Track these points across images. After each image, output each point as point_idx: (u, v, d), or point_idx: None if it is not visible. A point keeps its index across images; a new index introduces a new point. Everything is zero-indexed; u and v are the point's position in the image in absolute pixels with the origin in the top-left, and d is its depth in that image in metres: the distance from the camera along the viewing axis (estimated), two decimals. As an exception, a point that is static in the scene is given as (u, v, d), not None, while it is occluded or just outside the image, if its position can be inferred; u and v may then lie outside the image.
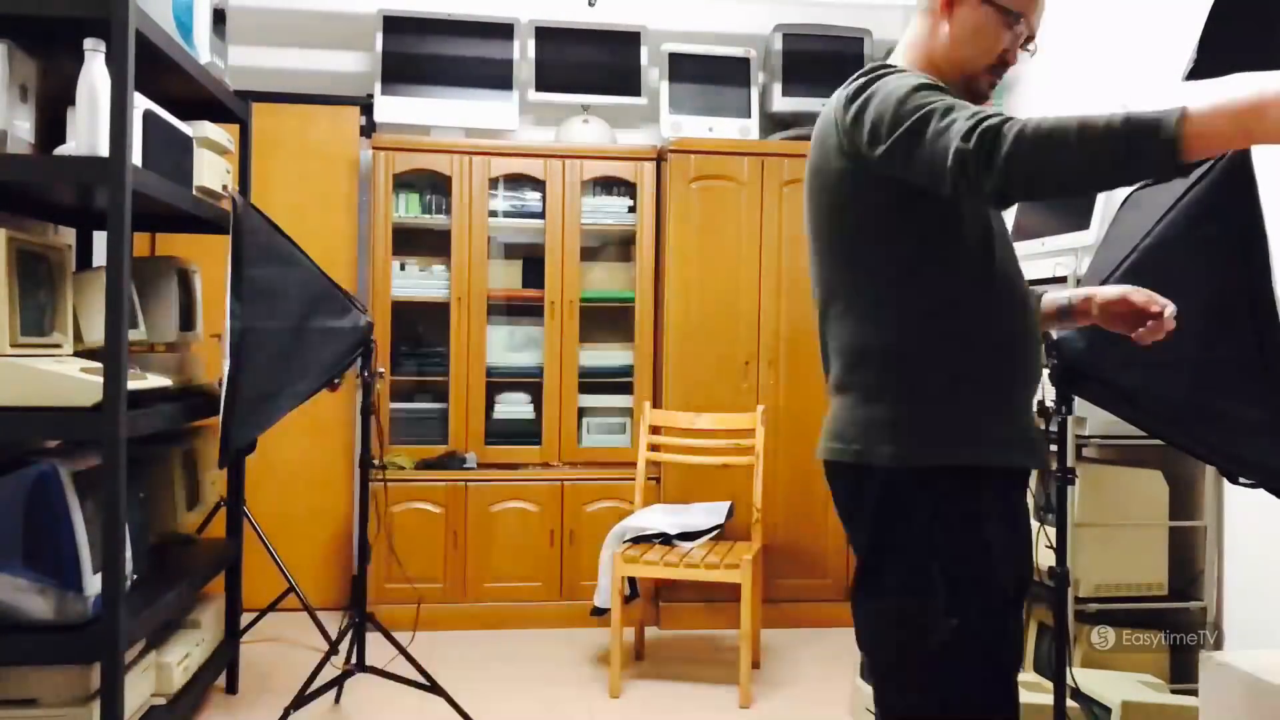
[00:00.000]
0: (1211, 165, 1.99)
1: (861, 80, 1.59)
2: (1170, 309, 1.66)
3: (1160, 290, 1.83)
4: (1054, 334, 2.15)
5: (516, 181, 4.42)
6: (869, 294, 1.62)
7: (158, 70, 2.60)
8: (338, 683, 3.11)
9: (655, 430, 4.00)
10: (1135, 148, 1.30)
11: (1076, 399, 2.27)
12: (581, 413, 4.44)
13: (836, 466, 1.66)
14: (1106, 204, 3.24)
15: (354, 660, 3.09)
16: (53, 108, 2.58)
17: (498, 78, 4.40)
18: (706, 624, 4.22)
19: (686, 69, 4.49)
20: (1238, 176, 1.96)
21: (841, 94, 1.62)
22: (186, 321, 3.17)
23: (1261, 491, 2.06)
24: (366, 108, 4.48)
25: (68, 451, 2.49)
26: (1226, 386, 1.95)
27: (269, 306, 2.75)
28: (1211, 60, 1.61)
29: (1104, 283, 2.06)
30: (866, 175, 1.57)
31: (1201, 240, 1.99)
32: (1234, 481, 2.12)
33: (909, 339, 1.58)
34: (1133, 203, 2.29)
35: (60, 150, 2.40)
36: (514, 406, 4.42)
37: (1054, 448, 2.37)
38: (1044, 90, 4.01)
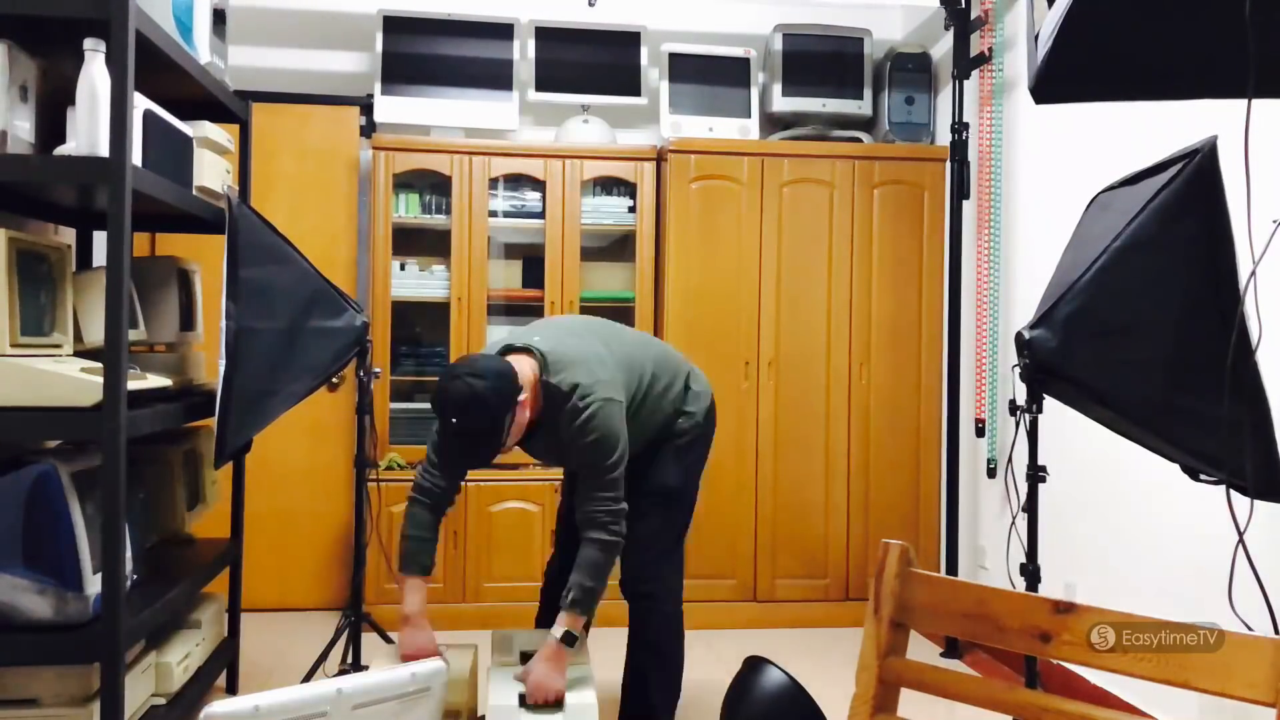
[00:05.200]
0: (1181, 169, 2.01)
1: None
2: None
3: (1131, 290, 1.91)
4: (1025, 333, 2.15)
5: (516, 181, 4.42)
6: None
7: (158, 70, 2.60)
8: (336, 683, 3.11)
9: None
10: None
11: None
12: (581, 413, 4.44)
13: None
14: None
15: (349, 660, 3.09)
16: (53, 108, 2.58)
17: (498, 78, 4.40)
18: (705, 624, 4.22)
19: (686, 69, 4.49)
20: (1205, 179, 2.00)
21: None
22: (186, 321, 3.17)
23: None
24: (366, 108, 4.48)
25: (68, 451, 2.49)
26: (1196, 384, 1.99)
27: (264, 307, 2.75)
28: (1054, 88, 1.64)
29: (1074, 284, 2.08)
30: None
31: (1171, 241, 2.03)
32: (1195, 479, 2.14)
33: None
34: (1100, 204, 2.30)
35: (60, 150, 2.40)
36: (514, 406, 4.42)
37: (1025, 446, 2.37)
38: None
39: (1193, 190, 2.02)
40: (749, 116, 4.50)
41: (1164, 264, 2.04)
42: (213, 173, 3.07)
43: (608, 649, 3.43)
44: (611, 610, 3.43)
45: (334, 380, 3.05)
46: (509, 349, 2.68)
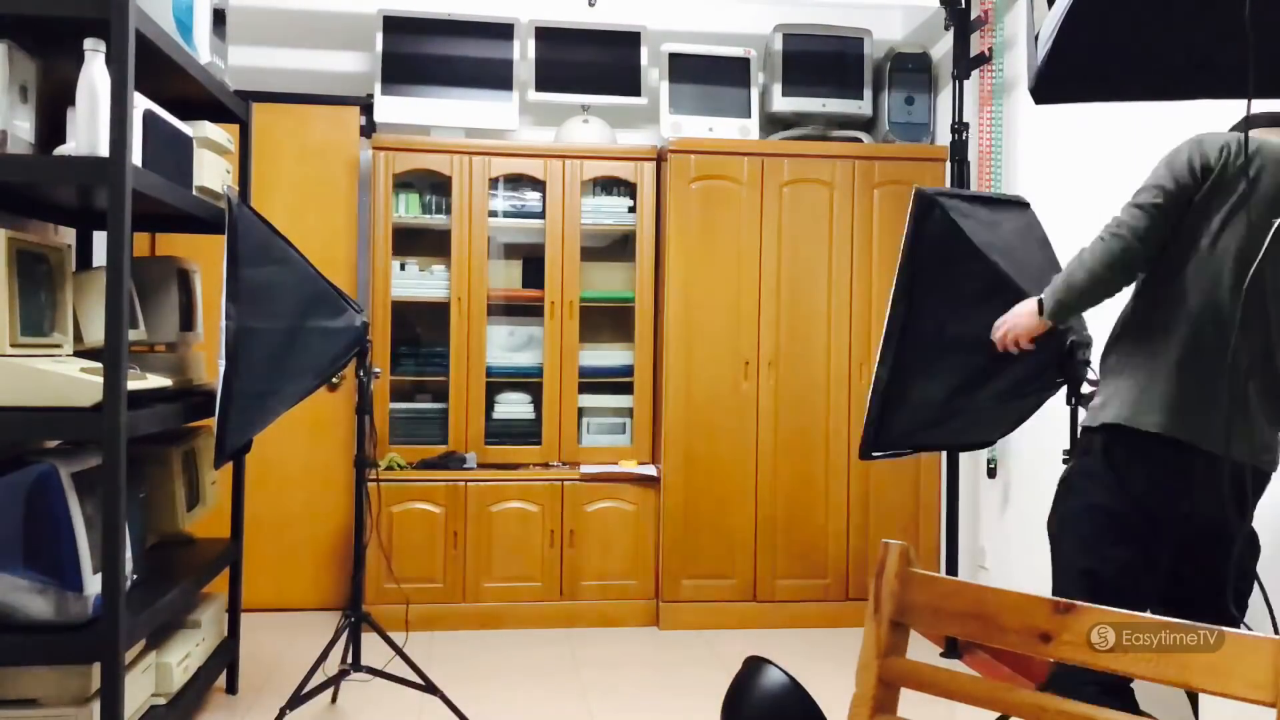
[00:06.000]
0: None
1: None
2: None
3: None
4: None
5: (516, 181, 4.42)
6: None
7: (158, 70, 2.60)
8: (334, 683, 3.12)
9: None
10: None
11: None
12: (581, 413, 4.45)
13: None
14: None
15: (350, 660, 3.09)
16: (53, 108, 2.58)
17: (498, 78, 4.40)
18: (705, 624, 4.22)
19: (686, 69, 4.49)
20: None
21: None
22: (186, 321, 3.18)
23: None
24: (366, 108, 4.48)
25: (68, 451, 2.49)
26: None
27: (264, 307, 2.75)
28: (1054, 88, 1.65)
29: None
30: None
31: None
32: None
33: None
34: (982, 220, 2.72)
35: (60, 150, 2.41)
36: (514, 406, 4.42)
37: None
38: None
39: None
40: (749, 116, 4.50)
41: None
42: (213, 173, 3.07)
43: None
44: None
45: (334, 380, 3.05)
46: None
